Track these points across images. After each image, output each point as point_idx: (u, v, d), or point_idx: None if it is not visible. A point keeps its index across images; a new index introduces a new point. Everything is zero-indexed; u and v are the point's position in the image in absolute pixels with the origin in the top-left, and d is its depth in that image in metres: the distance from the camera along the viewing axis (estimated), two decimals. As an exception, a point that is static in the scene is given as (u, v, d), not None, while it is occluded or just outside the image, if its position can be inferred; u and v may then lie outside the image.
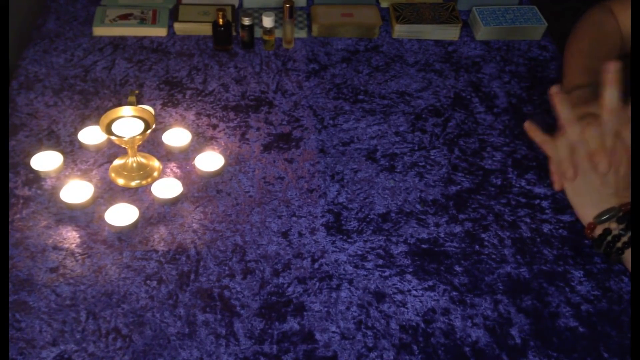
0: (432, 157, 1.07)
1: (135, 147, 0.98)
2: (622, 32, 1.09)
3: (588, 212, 0.89)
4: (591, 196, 0.88)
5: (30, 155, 1.00)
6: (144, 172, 1.00)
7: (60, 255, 0.89)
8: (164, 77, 1.19)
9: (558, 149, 0.89)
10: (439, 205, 0.99)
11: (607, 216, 0.86)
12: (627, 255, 0.85)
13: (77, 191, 0.95)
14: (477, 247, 0.94)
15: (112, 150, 1.04)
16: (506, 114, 1.16)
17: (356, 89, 1.20)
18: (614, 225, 0.85)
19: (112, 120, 0.95)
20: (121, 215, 0.92)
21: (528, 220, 0.98)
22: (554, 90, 0.88)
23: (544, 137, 0.92)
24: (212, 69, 1.22)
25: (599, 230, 0.86)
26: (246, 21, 1.22)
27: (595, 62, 1.02)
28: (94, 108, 1.11)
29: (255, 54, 1.26)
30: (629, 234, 0.84)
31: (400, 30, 1.32)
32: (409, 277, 0.89)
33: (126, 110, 0.96)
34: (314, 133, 1.10)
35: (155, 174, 1.00)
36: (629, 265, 0.86)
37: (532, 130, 0.90)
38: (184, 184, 0.98)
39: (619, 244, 0.85)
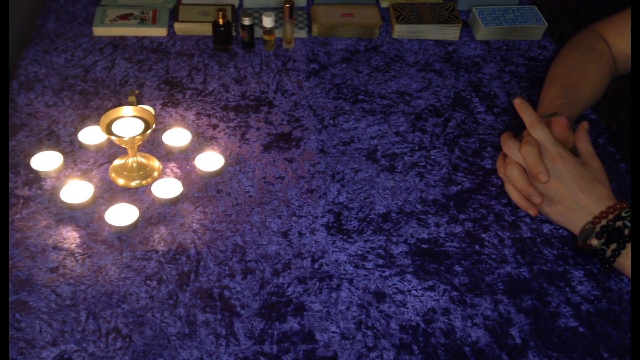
0: (433, 157, 1.07)
1: (136, 147, 0.98)
2: (615, 54, 1.09)
3: (572, 229, 0.91)
4: (565, 215, 0.89)
5: (30, 155, 1.00)
6: (144, 172, 1.00)
7: (60, 255, 0.89)
8: (164, 77, 1.19)
9: (511, 174, 0.91)
10: (439, 205, 0.99)
11: (582, 235, 0.87)
12: (620, 261, 0.86)
13: (77, 191, 0.95)
14: (477, 247, 0.94)
15: (112, 150, 1.04)
16: (506, 114, 1.16)
17: (356, 89, 1.20)
18: (595, 242, 0.86)
19: (112, 120, 0.95)
20: (121, 215, 0.92)
21: (528, 220, 0.98)
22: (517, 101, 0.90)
23: (500, 163, 0.94)
24: (212, 69, 1.22)
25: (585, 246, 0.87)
26: (246, 21, 1.22)
27: (573, 84, 1.02)
28: (94, 108, 1.11)
29: (255, 54, 1.26)
30: (612, 247, 0.85)
31: (400, 30, 1.32)
32: (409, 277, 0.89)
33: (126, 110, 0.96)
34: (314, 133, 1.10)
35: (155, 174, 1.00)
36: (625, 272, 0.87)
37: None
38: (184, 184, 0.98)
39: (605, 257, 0.86)
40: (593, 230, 0.86)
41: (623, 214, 0.84)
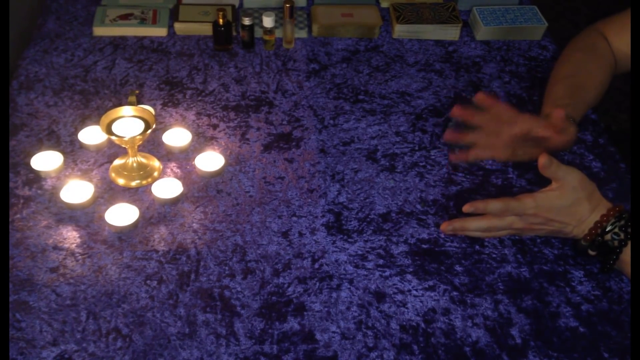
0: (433, 157, 1.07)
1: (136, 147, 0.98)
2: (615, 53, 1.10)
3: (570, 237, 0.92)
4: (562, 238, 0.91)
5: (30, 155, 1.00)
6: (144, 172, 1.00)
7: (60, 255, 0.89)
8: (164, 77, 1.19)
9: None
10: (439, 205, 0.99)
11: (581, 248, 0.89)
12: (621, 261, 0.86)
13: (77, 191, 0.95)
14: (477, 247, 0.94)
15: (113, 150, 1.04)
16: (506, 114, 1.16)
17: (356, 89, 1.20)
18: (591, 252, 0.88)
19: (113, 120, 0.95)
20: (121, 215, 0.92)
21: (528, 220, 0.98)
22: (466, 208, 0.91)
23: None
24: (212, 69, 1.22)
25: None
26: (246, 21, 1.22)
27: (578, 85, 1.03)
28: (94, 108, 1.11)
29: (255, 54, 1.26)
30: (607, 258, 0.86)
31: (400, 30, 1.32)
32: (409, 277, 0.89)
33: (126, 110, 0.96)
34: (314, 133, 1.10)
35: (156, 174, 1.00)
36: (625, 271, 0.87)
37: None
38: (184, 184, 0.98)
39: (603, 264, 0.88)
40: (588, 246, 0.88)
41: (609, 227, 0.85)
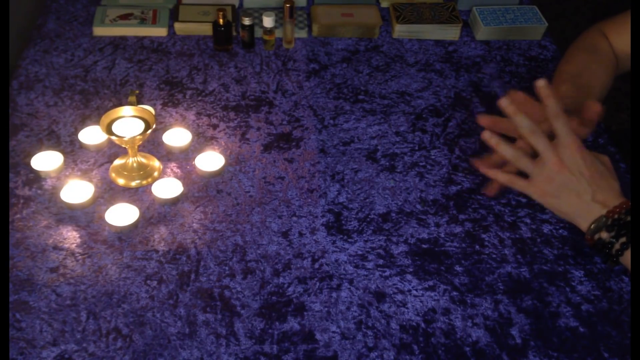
0: (433, 157, 1.07)
1: (136, 147, 0.98)
2: (616, 53, 1.10)
3: (580, 222, 0.89)
4: (577, 208, 0.88)
5: (30, 155, 1.00)
6: (144, 172, 1.00)
7: (60, 255, 0.89)
8: (164, 77, 1.19)
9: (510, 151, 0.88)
10: (439, 205, 0.99)
11: (594, 227, 0.86)
12: (627, 256, 0.85)
13: (77, 191, 0.95)
14: (477, 247, 0.94)
15: (113, 150, 1.04)
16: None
17: (356, 88, 1.20)
18: (605, 235, 0.85)
19: (113, 120, 0.95)
20: (121, 215, 0.92)
21: (528, 220, 0.98)
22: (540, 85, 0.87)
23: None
24: (213, 69, 1.22)
25: (593, 240, 0.86)
26: (246, 21, 1.22)
27: (584, 85, 1.02)
28: (95, 108, 1.11)
29: (255, 54, 1.26)
30: (621, 240, 0.84)
31: (400, 30, 1.32)
32: (409, 277, 0.89)
33: (126, 110, 0.96)
34: (314, 133, 1.10)
35: (156, 174, 1.00)
36: (629, 265, 0.86)
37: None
38: (184, 184, 0.98)
39: (613, 251, 0.86)
40: (606, 223, 0.85)
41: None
